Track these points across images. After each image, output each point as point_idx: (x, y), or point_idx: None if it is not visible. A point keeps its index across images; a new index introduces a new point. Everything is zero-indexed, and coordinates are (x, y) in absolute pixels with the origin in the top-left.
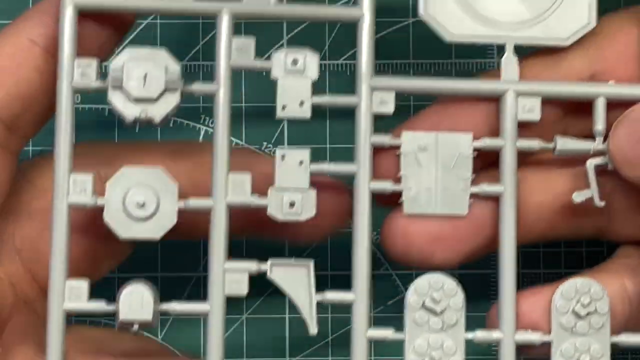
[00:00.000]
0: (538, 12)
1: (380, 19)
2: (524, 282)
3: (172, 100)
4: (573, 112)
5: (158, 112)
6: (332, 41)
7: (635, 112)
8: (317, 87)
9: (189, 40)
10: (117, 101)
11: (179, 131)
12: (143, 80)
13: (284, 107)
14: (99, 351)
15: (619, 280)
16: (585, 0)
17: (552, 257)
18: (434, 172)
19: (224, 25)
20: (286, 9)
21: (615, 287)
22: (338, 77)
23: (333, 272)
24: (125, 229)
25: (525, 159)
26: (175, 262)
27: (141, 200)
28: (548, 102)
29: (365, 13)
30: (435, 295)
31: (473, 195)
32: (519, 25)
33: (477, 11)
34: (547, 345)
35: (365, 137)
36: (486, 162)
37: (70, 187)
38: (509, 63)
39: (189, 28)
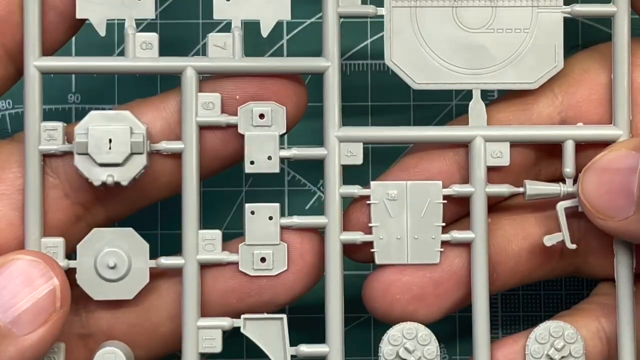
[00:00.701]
0: (505, 56)
1: None
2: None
3: (138, 163)
4: (547, 154)
5: (125, 175)
6: None
7: (603, 160)
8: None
9: None
10: (83, 166)
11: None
12: (108, 145)
13: (252, 163)
14: None
15: (595, 320)
16: (552, 42)
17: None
18: (405, 221)
19: (189, 82)
20: (251, 63)
21: (592, 328)
22: None
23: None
24: (98, 290)
25: (499, 204)
26: None
27: (112, 263)
28: (521, 145)
29: (331, 64)
30: (408, 345)
31: (445, 244)
32: (485, 70)
33: (443, 57)
34: None
35: (334, 188)
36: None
37: (41, 249)
38: (477, 109)
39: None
